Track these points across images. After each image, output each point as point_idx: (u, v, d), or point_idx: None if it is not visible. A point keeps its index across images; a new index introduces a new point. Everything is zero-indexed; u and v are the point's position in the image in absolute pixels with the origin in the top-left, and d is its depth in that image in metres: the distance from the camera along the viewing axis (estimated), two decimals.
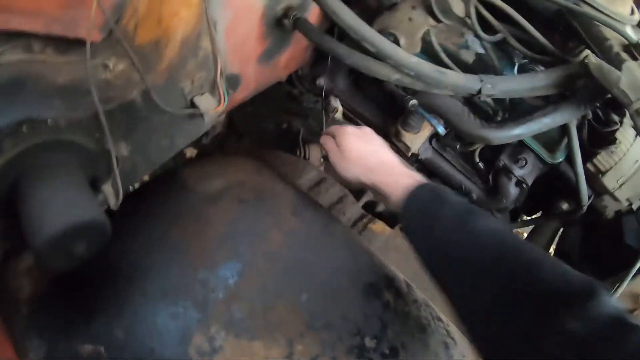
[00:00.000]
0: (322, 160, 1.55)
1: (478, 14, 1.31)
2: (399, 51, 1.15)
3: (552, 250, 1.83)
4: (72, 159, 0.79)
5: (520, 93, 1.23)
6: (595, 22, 1.21)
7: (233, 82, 1.23)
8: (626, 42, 1.16)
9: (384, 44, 1.13)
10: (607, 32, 1.18)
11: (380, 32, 1.32)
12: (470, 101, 1.37)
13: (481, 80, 1.16)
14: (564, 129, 1.33)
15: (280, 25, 1.24)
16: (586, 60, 1.13)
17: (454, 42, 1.36)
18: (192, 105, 1.01)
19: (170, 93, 0.96)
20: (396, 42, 1.36)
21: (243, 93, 1.33)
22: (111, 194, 0.89)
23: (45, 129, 0.73)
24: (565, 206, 1.49)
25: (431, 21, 1.35)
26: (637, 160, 1.32)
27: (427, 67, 1.15)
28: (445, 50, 1.36)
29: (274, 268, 0.95)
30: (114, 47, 0.82)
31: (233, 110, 1.47)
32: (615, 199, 1.37)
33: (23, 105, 0.71)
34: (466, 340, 1.07)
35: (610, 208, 1.40)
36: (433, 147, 1.58)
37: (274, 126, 1.67)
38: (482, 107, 1.39)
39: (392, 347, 0.93)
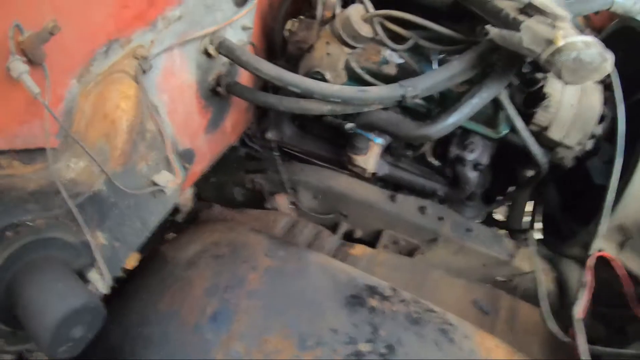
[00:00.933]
0: (291, 207, 1.63)
1: (386, 29, 1.42)
2: (321, 85, 1.25)
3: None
4: (57, 253, 0.88)
5: (442, 85, 1.29)
6: None
7: (188, 156, 1.32)
8: (520, 5, 1.19)
9: (305, 82, 1.23)
10: (500, 4, 1.23)
11: (308, 73, 1.48)
12: (406, 108, 1.45)
13: (401, 86, 1.25)
14: (497, 103, 1.37)
15: (216, 93, 1.36)
16: (490, 35, 1.19)
17: (374, 61, 1.46)
18: (153, 183, 1.10)
19: (130, 177, 1.05)
20: (323, 78, 1.46)
21: (201, 165, 1.42)
22: (98, 280, 0.96)
23: (27, 230, 0.82)
24: (529, 172, 1.53)
25: (346, 50, 1.45)
26: (572, 104, 1.34)
27: (348, 91, 1.25)
28: (369, 71, 1.46)
29: (259, 305, 1.03)
30: (72, 148, 0.93)
31: (199, 184, 1.56)
32: (568, 147, 1.39)
33: (2, 214, 0.80)
34: (468, 323, 1.13)
35: (567, 157, 1.42)
36: (388, 162, 1.64)
37: (239, 188, 1.73)
38: (417, 110, 1.47)
39: (388, 345, 0.99)
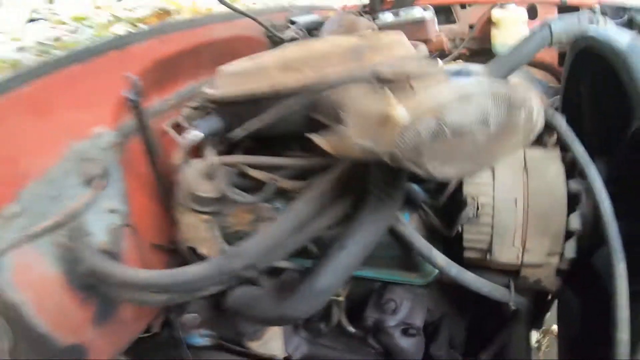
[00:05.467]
0: None
1: (246, 177, 1.08)
2: (135, 273, 0.99)
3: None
4: None
5: (288, 243, 0.90)
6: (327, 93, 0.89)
7: (75, 353, 1.14)
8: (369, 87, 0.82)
9: (115, 273, 0.99)
10: (343, 94, 0.85)
11: (185, 249, 1.15)
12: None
13: (227, 257, 0.88)
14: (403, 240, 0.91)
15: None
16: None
17: (250, 221, 1.10)
18: None
19: None
20: (201, 253, 1.12)
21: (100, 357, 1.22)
22: None
23: None
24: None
25: (202, 216, 1.10)
26: (515, 198, 0.88)
27: (162, 276, 0.95)
28: (241, 233, 1.10)
29: None
30: None
31: None
32: (535, 266, 0.91)
33: None
34: None
35: (544, 277, 0.93)
36: (304, 338, 1.23)
37: None
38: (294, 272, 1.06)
39: None
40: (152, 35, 1.41)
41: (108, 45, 1.29)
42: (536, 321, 1.14)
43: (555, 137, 0.96)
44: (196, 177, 1.04)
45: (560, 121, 0.91)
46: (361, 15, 2.24)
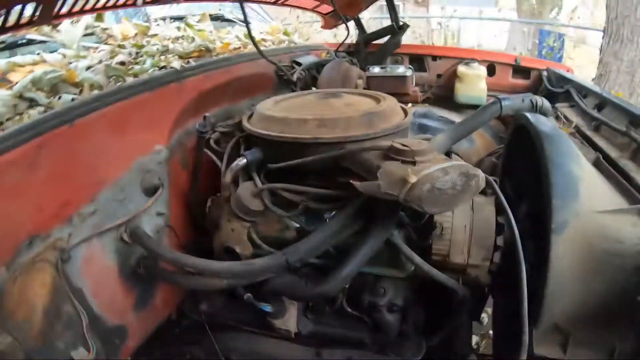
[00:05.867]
0: None
1: (280, 197, 1.40)
2: (210, 263, 1.25)
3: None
4: None
5: (325, 245, 1.27)
6: (359, 152, 1.26)
7: (119, 333, 1.33)
8: (383, 151, 1.19)
9: (196, 263, 1.25)
10: (367, 155, 1.24)
11: (220, 248, 1.46)
12: (311, 265, 1.41)
13: (284, 254, 1.23)
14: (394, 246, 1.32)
15: (138, 274, 1.38)
16: (359, 188, 1.15)
17: (276, 229, 1.44)
18: (71, 358, 1.13)
19: (49, 353, 1.10)
20: (234, 251, 1.44)
21: (134, 340, 1.41)
22: None
23: None
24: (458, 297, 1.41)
25: (245, 223, 1.44)
26: (465, 225, 1.31)
27: (236, 266, 1.25)
28: (272, 238, 1.43)
29: None
30: (2, 325, 1.00)
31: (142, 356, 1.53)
32: (475, 266, 1.33)
33: None
34: None
35: (480, 275, 1.35)
36: (311, 319, 1.57)
37: None
38: (316, 266, 1.43)
39: None
40: (200, 72, 1.69)
41: (169, 78, 1.55)
42: (475, 313, 1.58)
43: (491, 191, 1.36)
44: (248, 194, 1.41)
45: (494, 184, 1.32)
46: (352, 60, 2.60)
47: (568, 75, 2.41)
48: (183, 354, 1.65)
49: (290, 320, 1.51)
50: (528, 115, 1.43)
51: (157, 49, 1.86)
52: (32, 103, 1.37)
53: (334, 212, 1.38)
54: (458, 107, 2.86)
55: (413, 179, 1.00)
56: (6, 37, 2.00)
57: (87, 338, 1.18)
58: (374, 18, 8.94)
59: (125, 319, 1.36)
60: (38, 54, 1.63)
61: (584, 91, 2.11)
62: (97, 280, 1.26)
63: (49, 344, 1.10)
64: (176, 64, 1.62)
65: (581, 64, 7.49)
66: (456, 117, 2.66)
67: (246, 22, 1.78)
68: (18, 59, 1.56)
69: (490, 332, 2.48)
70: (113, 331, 1.30)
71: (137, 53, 1.80)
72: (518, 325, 1.39)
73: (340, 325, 1.57)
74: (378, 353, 1.52)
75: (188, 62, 1.77)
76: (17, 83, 1.38)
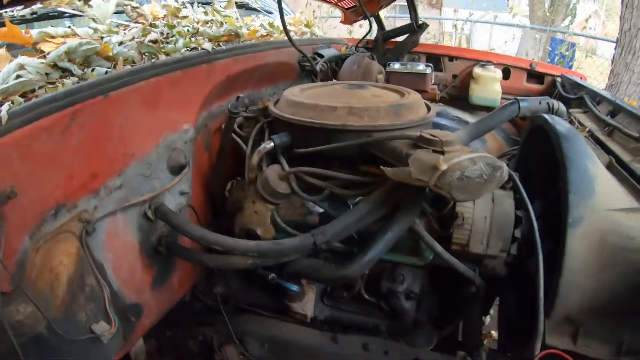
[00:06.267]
0: (241, 356, 1.54)
1: (305, 183, 1.43)
2: (239, 242, 1.27)
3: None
4: None
5: (352, 228, 1.29)
6: (386, 141, 1.31)
7: (135, 310, 1.33)
8: (412, 140, 1.24)
9: (225, 241, 1.26)
10: (395, 143, 1.27)
11: (242, 230, 1.48)
12: (331, 250, 1.43)
13: (312, 235, 1.25)
14: (416, 234, 1.35)
15: (159, 252, 1.38)
16: (387, 174, 1.19)
17: (299, 213, 1.47)
18: (91, 332, 1.14)
19: (70, 324, 1.10)
20: (256, 233, 1.46)
21: (149, 318, 1.41)
22: None
23: None
24: (472, 289, 1.47)
25: (270, 206, 1.46)
26: (485, 217, 1.34)
27: (264, 245, 1.27)
28: (296, 223, 1.46)
29: None
30: (22, 294, 0.99)
31: (158, 338, 1.61)
32: (493, 257, 1.36)
33: None
34: None
35: (497, 266, 1.39)
36: (327, 304, 1.60)
37: (193, 341, 1.66)
38: (339, 252, 1.45)
39: None
40: (230, 55, 1.69)
41: (200, 59, 1.54)
42: (485, 307, 1.62)
43: (511, 184, 1.41)
44: (275, 177, 1.44)
45: (515, 177, 1.38)
46: (372, 55, 2.63)
47: (582, 82, 2.44)
48: (196, 335, 1.67)
49: (308, 304, 1.54)
50: (546, 116, 1.47)
51: (188, 30, 1.88)
52: (65, 73, 1.36)
53: (357, 199, 1.41)
54: (472, 108, 2.89)
55: (444, 167, 1.04)
56: (37, 7, 2.01)
57: (109, 312, 1.18)
58: (386, 17, 8.95)
59: (142, 296, 1.36)
60: (69, 27, 1.63)
61: (598, 98, 2.14)
62: (118, 255, 1.26)
63: (71, 315, 1.10)
64: (207, 45, 1.63)
65: (589, 75, 7.51)
66: (470, 118, 2.69)
67: (281, 10, 1.80)
68: (50, 30, 1.55)
69: (492, 332, 2.54)
70: (130, 308, 1.30)
71: (168, 33, 1.82)
72: (527, 319, 1.45)
73: (357, 311, 1.60)
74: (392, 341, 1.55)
75: (219, 44, 1.79)
76: (49, 53, 1.38)
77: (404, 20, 2.99)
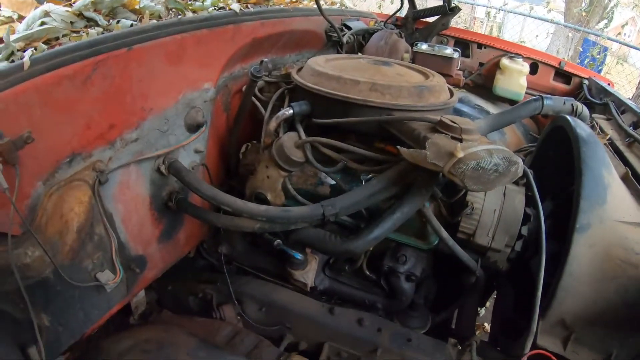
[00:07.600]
0: (238, 317, 1.57)
1: (320, 153, 1.44)
2: (249, 205, 1.28)
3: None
4: (3, 325, 0.98)
5: (362, 203, 1.29)
6: (405, 121, 1.31)
7: (140, 262, 1.36)
8: (432, 124, 1.24)
9: (236, 203, 1.27)
10: (414, 124, 1.27)
11: (252, 193, 1.50)
12: (338, 223, 1.44)
13: (322, 206, 1.26)
14: (424, 217, 1.36)
15: (168, 207, 1.41)
16: (403, 154, 1.19)
17: (311, 183, 1.47)
18: (95, 279, 1.17)
19: (76, 271, 1.11)
20: (265, 198, 1.48)
21: (153, 271, 1.44)
22: (36, 357, 1.02)
23: None
24: (472, 279, 1.49)
25: (282, 172, 1.47)
26: (494, 210, 1.34)
27: (273, 211, 1.28)
28: (306, 192, 1.47)
29: None
30: (32, 238, 1.00)
31: (159, 291, 1.64)
32: (497, 250, 1.36)
33: None
34: None
35: (499, 260, 1.39)
36: (328, 276, 1.61)
37: (193, 297, 1.69)
38: (346, 225, 1.46)
39: None
40: (257, 18, 1.68)
41: (227, 19, 1.53)
42: (482, 299, 1.63)
43: (524, 181, 1.40)
44: (291, 144, 1.44)
45: (529, 175, 1.37)
46: (400, 32, 2.59)
47: (609, 88, 2.39)
48: (196, 292, 1.70)
49: (309, 273, 1.56)
50: (568, 117, 1.45)
51: None
52: (90, 23, 1.35)
53: (370, 175, 1.42)
54: (494, 99, 2.84)
55: (460, 154, 1.04)
56: None
57: (115, 262, 1.20)
58: None
59: (148, 249, 1.38)
60: None
61: (623, 107, 2.10)
62: (128, 207, 1.28)
63: (78, 262, 1.12)
64: (235, 6, 1.61)
65: (617, 82, 7.34)
66: (491, 108, 2.66)
67: None
68: None
69: (485, 324, 2.59)
70: (135, 260, 1.32)
71: None
72: (522, 316, 1.46)
73: (357, 286, 1.62)
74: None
75: (247, 6, 1.77)
76: (75, 1, 1.37)
77: (437, 1, 2.90)
